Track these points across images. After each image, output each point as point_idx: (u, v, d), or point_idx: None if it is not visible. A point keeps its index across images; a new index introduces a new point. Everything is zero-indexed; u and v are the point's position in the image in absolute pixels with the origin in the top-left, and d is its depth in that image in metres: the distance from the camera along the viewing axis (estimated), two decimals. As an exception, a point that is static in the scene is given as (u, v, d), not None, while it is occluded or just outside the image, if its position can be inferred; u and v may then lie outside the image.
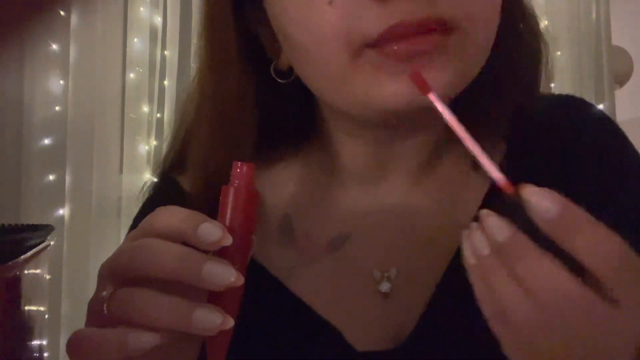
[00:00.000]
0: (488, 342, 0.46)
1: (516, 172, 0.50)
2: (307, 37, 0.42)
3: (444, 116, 0.37)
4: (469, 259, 0.34)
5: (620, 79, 2.22)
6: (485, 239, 0.33)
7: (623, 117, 1.87)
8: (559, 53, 1.72)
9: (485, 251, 0.33)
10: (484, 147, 0.50)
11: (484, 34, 0.43)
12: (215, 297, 0.34)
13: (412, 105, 0.41)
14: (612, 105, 1.82)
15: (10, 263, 0.57)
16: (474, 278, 0.34)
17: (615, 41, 1.87)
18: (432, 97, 0.37)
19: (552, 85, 0.52)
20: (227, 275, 0.32)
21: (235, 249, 0.34)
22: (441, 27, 0.40)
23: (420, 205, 0.51)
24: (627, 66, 2.25)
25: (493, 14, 0.44)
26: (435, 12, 0.39)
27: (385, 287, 0.49)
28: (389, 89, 0.41)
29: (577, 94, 0.59)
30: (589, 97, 1.58)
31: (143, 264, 0.33)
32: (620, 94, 2.21)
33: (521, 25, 0.51)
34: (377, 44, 0.40)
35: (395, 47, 0.39)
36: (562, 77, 1.73)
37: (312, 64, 0.44)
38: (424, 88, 0.38)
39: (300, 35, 0.43)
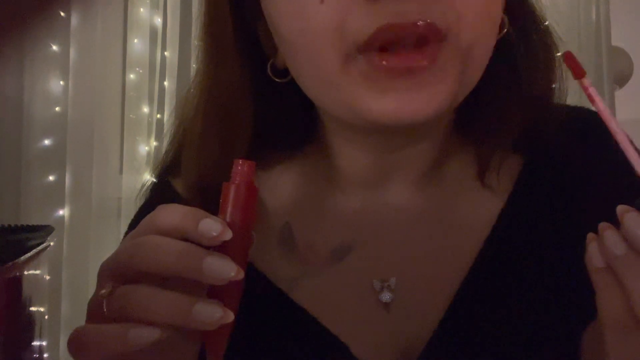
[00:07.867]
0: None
1: (535, 188, 0.50)
2: (299, 36, 0.41)
3: (598, 108, 0.35)
4: (595, 262, 0.33)
5: (620, 80, 2.22)
6: (621, 238, 0.32)
7: (623, 117, 1.86)
8: (558, 54, 1.71)
9: (621, 251, 0.32)
10: (493, 159, 0.49)
11: (477, 41, 0.41)
12: (215, 293, 0.34)
13: (400, 123, 0.40)
14: (612, 106, 1.82)
15: (10, 264, 0.57)
16: (601, 282, 0.33)
17: (615, 41, 1.87)
18: (585, 83, 0.35)
19: (553, 86, 0.52)
20: (227, 269, 0.32)
21: (236, 245, 0.34)
22: (432, 34, 0.38)
23: (423, 213, 0.50)
24: (627, 67, 2.25)
25: (488, 21, 0.42)
26: (426, 15, 0.38)
27: (386, 297, 0.48)
28: (377, 105, 0.40)
29: (577, 95, 0.58)
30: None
31: (143, 260, 0.33)
32: (620, 94, 2.21)
33: (534, 37, 0.50)
34: (367, 48, 0.39)
35: (385, 62, 0.39)
36: (562, 78, 1.73)
37: (304, 64, 0.43)
38: (577, 72, 0.36)
39: (292, 33, 0.42)
